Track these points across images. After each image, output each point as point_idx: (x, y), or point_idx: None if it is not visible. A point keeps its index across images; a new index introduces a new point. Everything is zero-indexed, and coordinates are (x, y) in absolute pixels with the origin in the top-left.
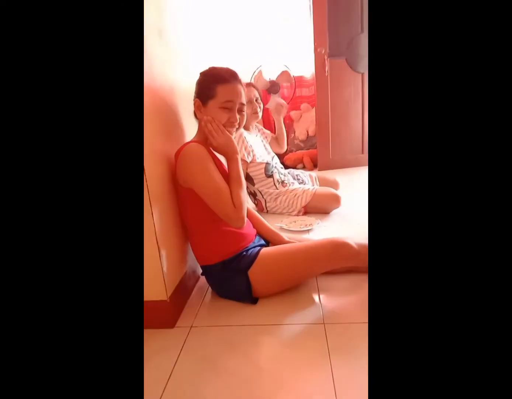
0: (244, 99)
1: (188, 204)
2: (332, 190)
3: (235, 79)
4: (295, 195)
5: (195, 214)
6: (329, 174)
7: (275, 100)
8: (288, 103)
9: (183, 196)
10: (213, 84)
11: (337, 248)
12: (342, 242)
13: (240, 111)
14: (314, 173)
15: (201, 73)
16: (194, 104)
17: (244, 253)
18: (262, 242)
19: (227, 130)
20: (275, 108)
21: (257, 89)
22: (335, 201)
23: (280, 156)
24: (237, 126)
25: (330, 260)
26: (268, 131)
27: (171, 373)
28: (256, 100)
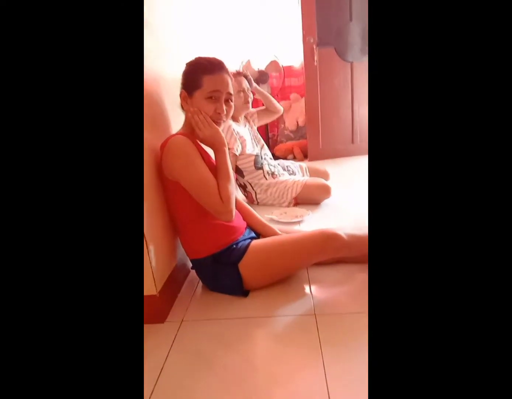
0: (231, 89)
1: (175, 197)
2: (322, 181)
3: (221, 68)
4: (286, 186)
5: (183, 207)
6: (320, 164)
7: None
8: (277, 93)
9: (170, 190)
10: (199, 74)
11: (327, 239)
12: (332, 233)
13: (227, 101)
14: (304, 164)
15: (187, 64)
16: (180, 95)
17: (234, 245)
18: (253, 234)
19: (215, 122)
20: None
21: (247, 78)
22: (326, 191)
23: (270, 147)
24: (224, 118)
25: (321, 251)
26: (254, 110)
27: (163, 367)
28: (248, 90)
